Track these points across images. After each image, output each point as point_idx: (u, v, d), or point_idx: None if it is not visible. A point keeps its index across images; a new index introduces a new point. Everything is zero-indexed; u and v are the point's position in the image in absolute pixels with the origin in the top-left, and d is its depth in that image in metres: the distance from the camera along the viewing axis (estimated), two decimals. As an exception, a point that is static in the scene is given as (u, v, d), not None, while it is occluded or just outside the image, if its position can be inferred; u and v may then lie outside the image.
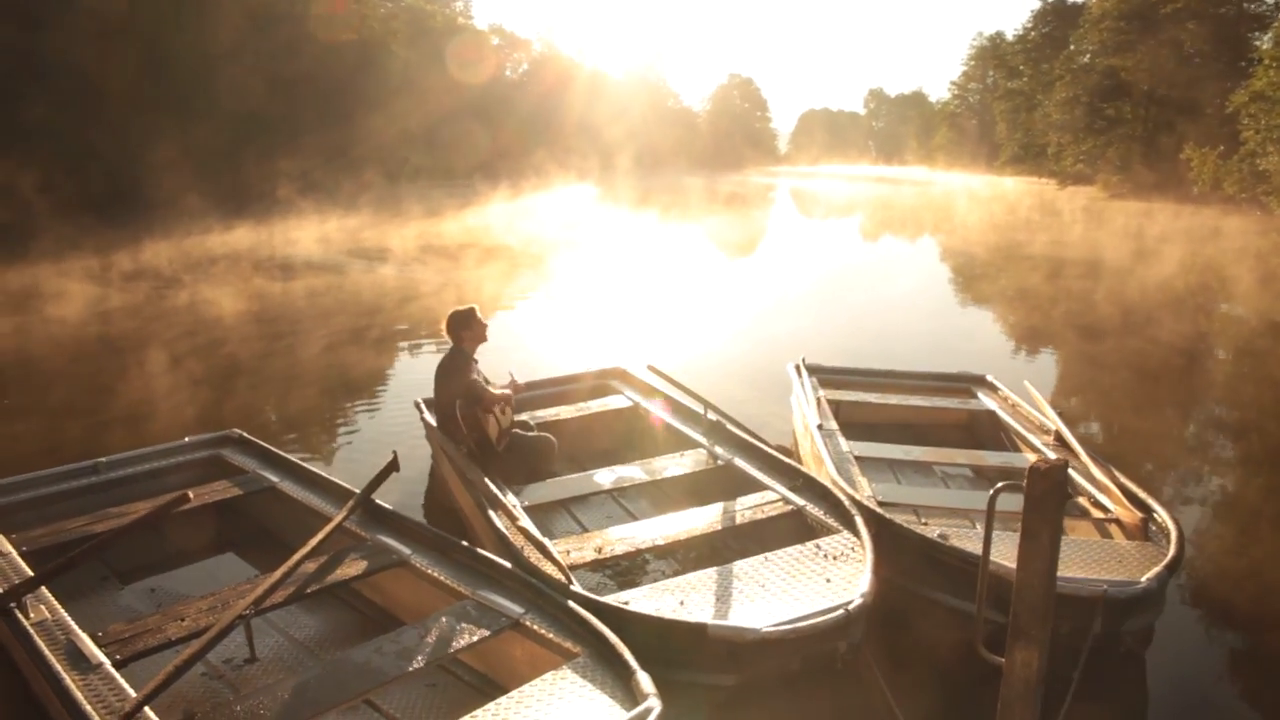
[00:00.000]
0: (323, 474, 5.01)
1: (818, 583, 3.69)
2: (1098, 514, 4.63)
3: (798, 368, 7.10)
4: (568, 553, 4.11)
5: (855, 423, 6.59)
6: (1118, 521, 4.48)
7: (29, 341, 12.12)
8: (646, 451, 6.16)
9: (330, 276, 17.54)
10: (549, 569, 3.83)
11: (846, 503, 4.39)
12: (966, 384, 7.03)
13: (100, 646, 3.39)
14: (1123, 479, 4.76)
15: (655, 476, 5.28)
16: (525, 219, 29.53)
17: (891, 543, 4.15)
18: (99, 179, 26.20)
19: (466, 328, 5.39)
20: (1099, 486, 4.81)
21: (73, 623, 3.55)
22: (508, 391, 5.46)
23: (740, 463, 5.14)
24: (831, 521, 4.30)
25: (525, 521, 4.34)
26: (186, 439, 5.66)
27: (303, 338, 12.11)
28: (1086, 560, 3.97)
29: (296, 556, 3.92)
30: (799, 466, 4.93)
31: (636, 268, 19.39)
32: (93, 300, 14.70)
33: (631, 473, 5.41)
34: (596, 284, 17.00)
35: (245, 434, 5.67)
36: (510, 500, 4.71)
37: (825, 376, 7.13)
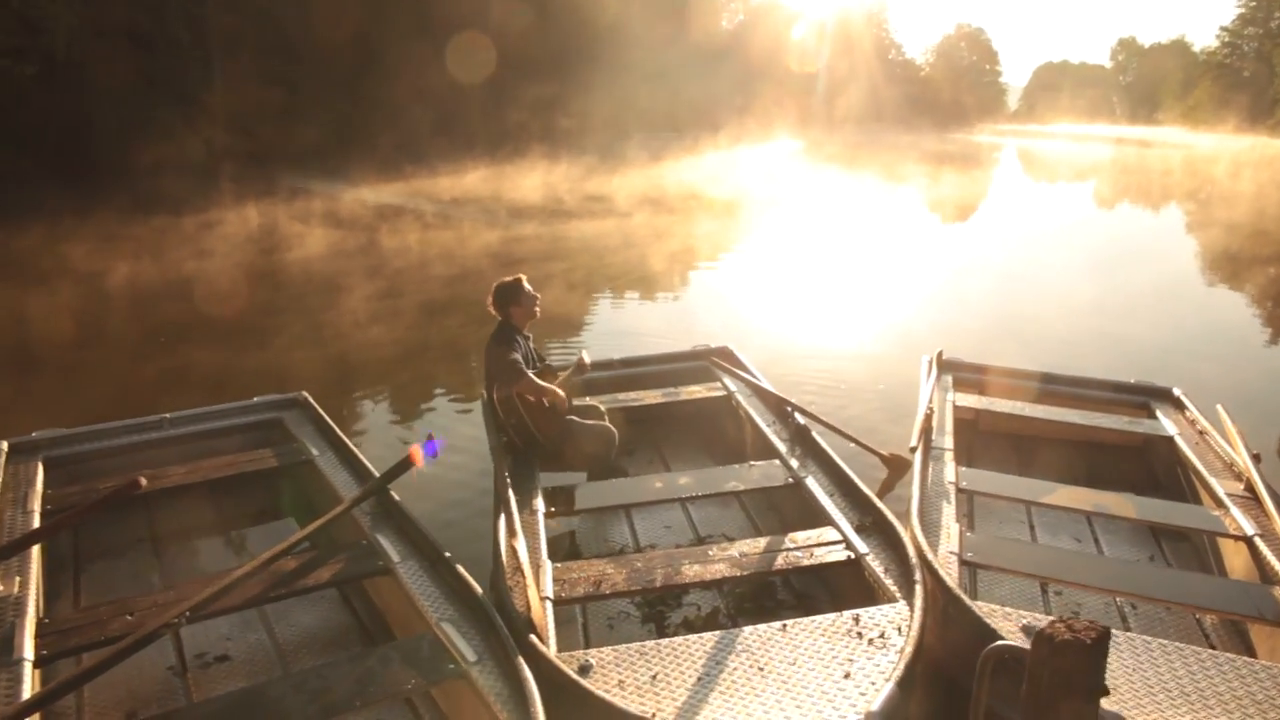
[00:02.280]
0: (359, 454, 4.68)
1: (832, 676, 2.73)
2: None
3: (932, 362, 5.85)
4: (565, 582, 3.48)
5: (996, 437, 5.47)
6: None
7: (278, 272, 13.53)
8: (725, 453, 5.43)
9: (547, 224, 17.95)
10: (520, 604, 3.22)
11: (914, 559, 3.40)
12: (1145, 398, 5.55)
13: (38, 637, 3.19)
14: None
15: (715, 489, 4.51)
16: (735, 173, 28.99)
17: (959, 626, 3.11)
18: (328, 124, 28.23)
19: (515, 301, 4.77)
20: None
21: (30, 607, 3.38)
22: (555, 388, 4.73)
23: (812, 484, 4.21)
24: (889, 583, 3.31)
25: (524, 536, 3.71)
26: (255, 399, 5.52)
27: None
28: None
29: (269, 554, 3.56)
30: (874, 500, 3.92)
31: (830, 230, 18.25)
32: (334, 240, 16.15)
33: (693, 480, 4.68)
34: (787, 246, 16.25)
35: (310, 399, 5.46)
36: (535, 504, 4.15)
37: (964, 376, 5.88)
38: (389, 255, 15.09)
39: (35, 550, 3.74)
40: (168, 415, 5.22)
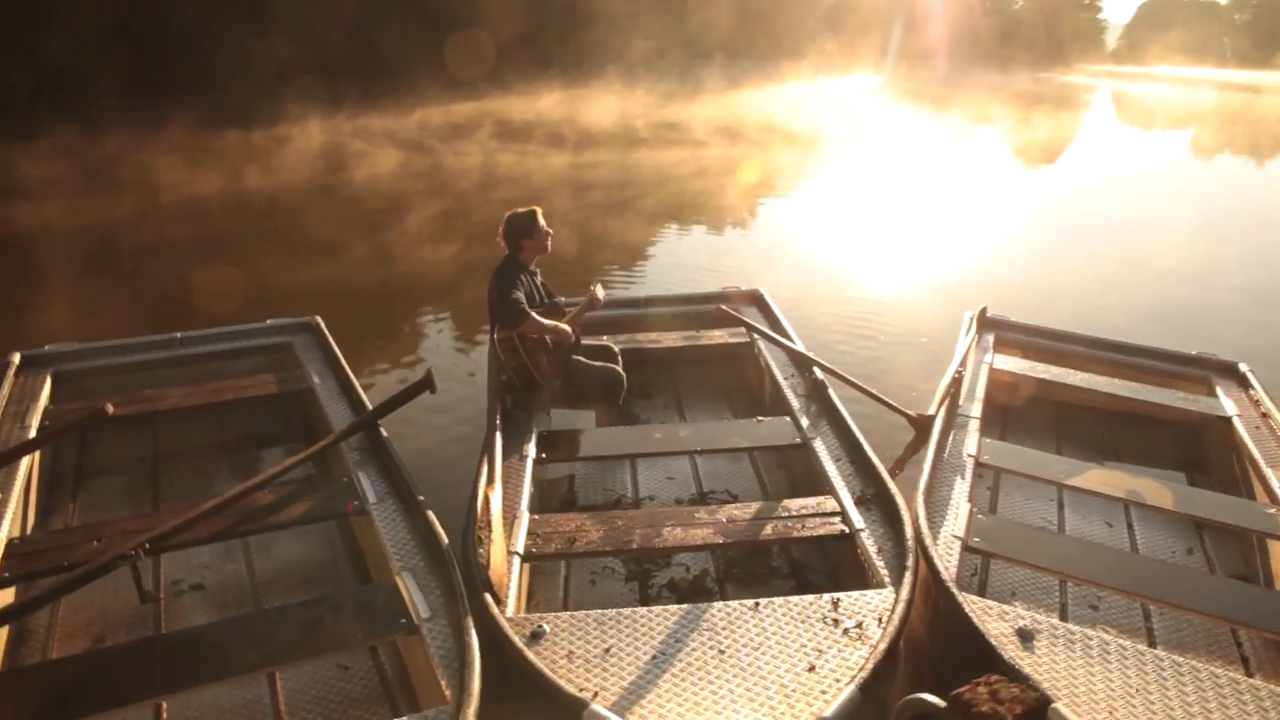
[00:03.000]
0: (357, 385, 4.56)
1: (795, 668, 2.51)
2: None
3: (973, 319, 5.44)
4: (540, 536, 3.31)
5: (1035, 407, 5.10)
6: None
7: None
8: (745, 403, 5.19)
9: (620, 151, 17.88)
10: (484, 556, 3.02)
11: (910, 540, 3.13)
12: (1206, 372, 5.06)
13: (6, 558, 3.17)
14: None
15: (724, 444, 4.32)
16: (812, 106, 28.06)
17: (947, 621, 2.84)
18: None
19: (527, 234, 4.50)
20: None
21: (4, 527, 3.36)
22: (560, 324, 4.47)
23: (819, 446, 3.94)
24: (880, 565, 3.05)
25: (505, 484, 3.55)
26: (269, 321, 5.45)
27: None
28: None
29: (241, 487, 3.48)
30: (879, 470, 3.62)
31: (903, 172, 17.48)
32: (401, 160, 16.48)
33: (703, 432, 4.48)
34: (858, 185, 15.71)
35: (321, 324, 5.36)
36: (526, 450, 3.98)
37: (1008, 336, 5.47)
38: (456, 176, 15.19)
39: (21, 468, 3.73)
40: (178, 334, 5.19)
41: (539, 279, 4.72)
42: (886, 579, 2.96)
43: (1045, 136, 25.76)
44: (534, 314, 4.34)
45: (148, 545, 3.05)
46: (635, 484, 4.49)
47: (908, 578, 2.88)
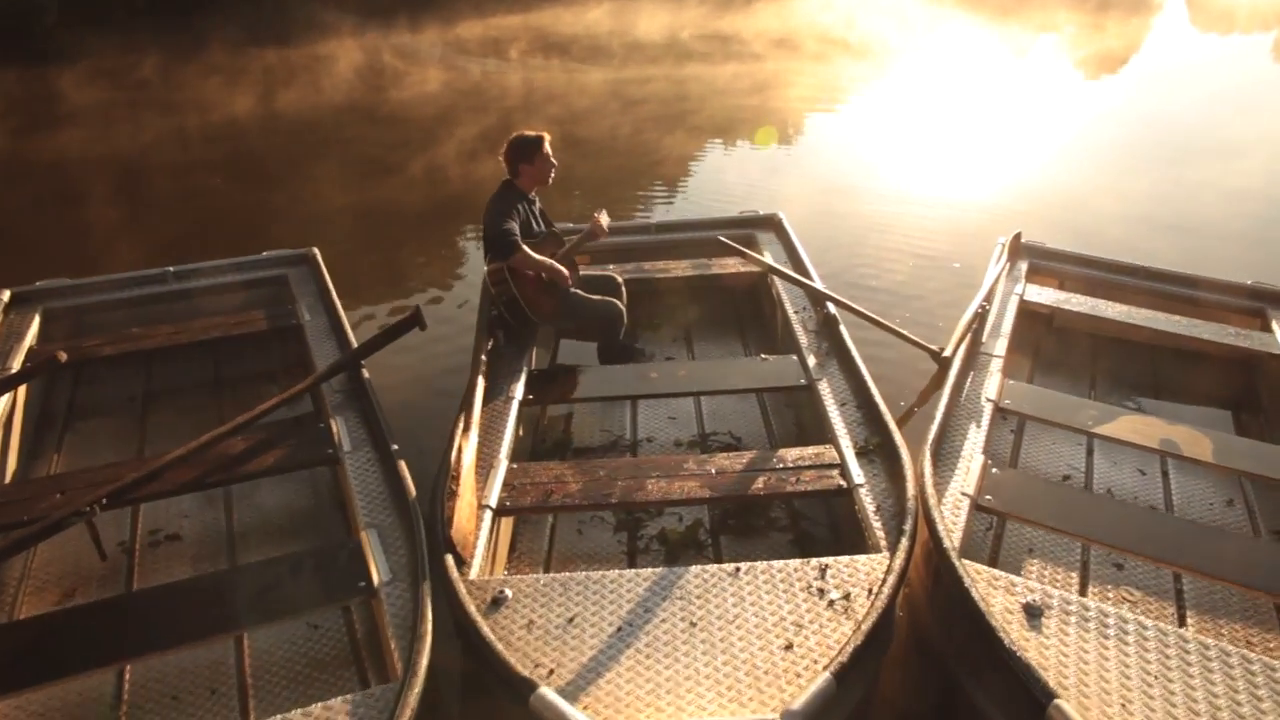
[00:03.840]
0: (345, 323, 4.36)
1: (770, 646, 2.28)
2: None
3: (1004, 246, 5.01)
4: (516, 488, 3.12)
5: (1071, 341, 4.74)
6: None
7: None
8: (758, 337, 4.95)
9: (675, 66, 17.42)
10: (452, 515, 2.77)
11: (911, 498, 2.83)
12: (1261, 304, 4.63)
13: None
14: None
15: (728, 384, 4.06)
16: (866, 14, 26.74)
17: (946, 592, 2.56)
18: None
19: (527, 159, 4.20)
20: None
21: None
22: (556, 263, 4.19)
23: (824, 389, 3.65)
24: (877, 526, 2.78)
25: (482, 430, 3.34)
26: (264, 254, 5.26)
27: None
28: None
29: (209, 435, 3.34)
30: (884, 416, 3.29)
31: (957, 84, 16.47)
32: (446, 78, 16.24)
33: (708, 370, 4.23)
34: (911, 97, 14.95)
35: (318, 255, 5.15)
36: (513, 391, 3.76)
37: (1042, 264, 5.03)
38: (500, 93, 14.88)
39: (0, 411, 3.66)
40: (170, 269, 5.02)
41: (538, 206, 4.45)
42: (883, 542, 2.71)
43: (1108, 45, 24.13)
44: (527, 248, 4.07)
45: (104, 500, 2.93)
46: (635, 424, 4.27)
47: (904, 542, 2.62)
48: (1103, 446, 3.94)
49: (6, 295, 4.63)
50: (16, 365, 4.05)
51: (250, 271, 5.09)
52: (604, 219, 4.65)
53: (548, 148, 4.26)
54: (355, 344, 4.06)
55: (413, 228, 8.40)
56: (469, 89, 15.35)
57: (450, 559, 2.62)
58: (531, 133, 4.27)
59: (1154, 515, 3.41)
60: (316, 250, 5.17)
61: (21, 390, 4.01)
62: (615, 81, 15.74)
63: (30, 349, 4.24)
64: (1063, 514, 2.97)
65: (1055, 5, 34.57)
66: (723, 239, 4.89)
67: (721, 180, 9.91)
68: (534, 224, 4.34)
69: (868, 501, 2.91)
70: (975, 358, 3.93)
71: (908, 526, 2.68)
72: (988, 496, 2.98)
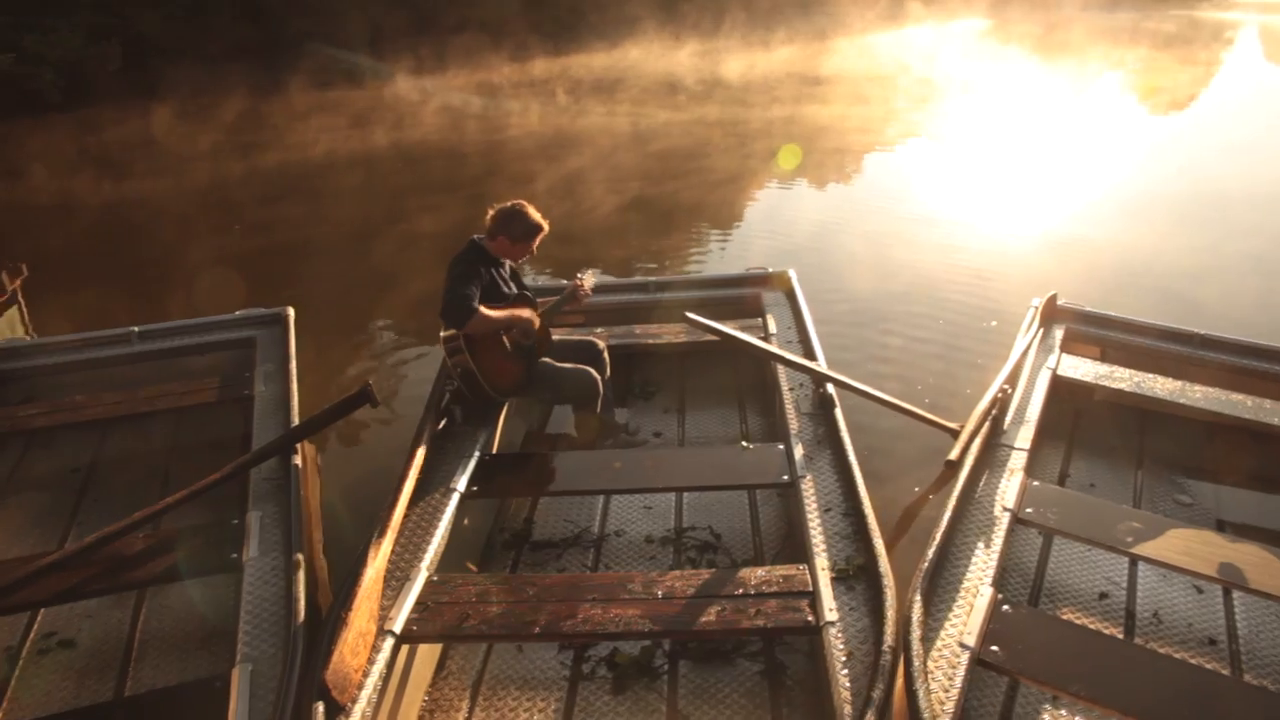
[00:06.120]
0: (294, 399, 3.98)
1: None
2: None
3: (1037, 310, 4.42)
4: (429, 606, 2.65)
5: (1113, 415, 4.17)
6: None
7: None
8: (759, 411, 4.47)
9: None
10: (334, 648, 2.33)
11: (886, 652, 2.27)
12: None
13: None
14: None
15: (701, 480, 3.53)
16: (905, 54, 26.36)
17: None
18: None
19: (512, 235, 3.80)
20: None
21: None
22: (519, 311, 3.81)
23: (808, 489, 3.12)
24: (844, 684, 2.23)
25: (402, 531, 2.94)
26: (237, 313, 4.96)
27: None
28: None
29: (97, 535, 2.99)
30: (872, 529, 2.76)
31: (1012, 124, 15.87)
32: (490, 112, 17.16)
33: (682, 464, 3.74)
34: (955, 143, 14.28)
35: (290, 315, 4.81)
36: (452, 483, 3.33)
37: (1080, 329, 4.44)
38: (580, 134, 15.09)
39: None
40: (135, 329, 4.75)
41: (507, 269, 4.03)
42: (847, 702, 2.19)
43: (1173, 82, 23.10)
44: (484, 309, 3.65)
45: None
46: (605, 517, 3.80)
47: (870, 715, 2.09)
48: (1148, 571, 3.32)
49: None
50: None
51: (218, 332, 4.79)
52: (589, 280, 4.25)
53: (539, 237, 3.90)
54: (292, 415, 3.71)
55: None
56: (561, 126, 15.73)
57: (320, 708, 2.18)
58: (536, 216, 3.87)
59: (1216, 683, 2.59)
60: (290, 310, 4.85)
61: None
62: (723, 120, 16.05)
63: None
64: (1094, 676, 2.33)
65: (1103, 40, 33.58)
66: (690, 315, 4.17)
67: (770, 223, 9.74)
68: (502, 286, 3.93)
69: (837, 648, 2.38)
70: (992, 453, 3.39)
71: (877, 694, 2.15)
72: (994, 648, 2.39)
